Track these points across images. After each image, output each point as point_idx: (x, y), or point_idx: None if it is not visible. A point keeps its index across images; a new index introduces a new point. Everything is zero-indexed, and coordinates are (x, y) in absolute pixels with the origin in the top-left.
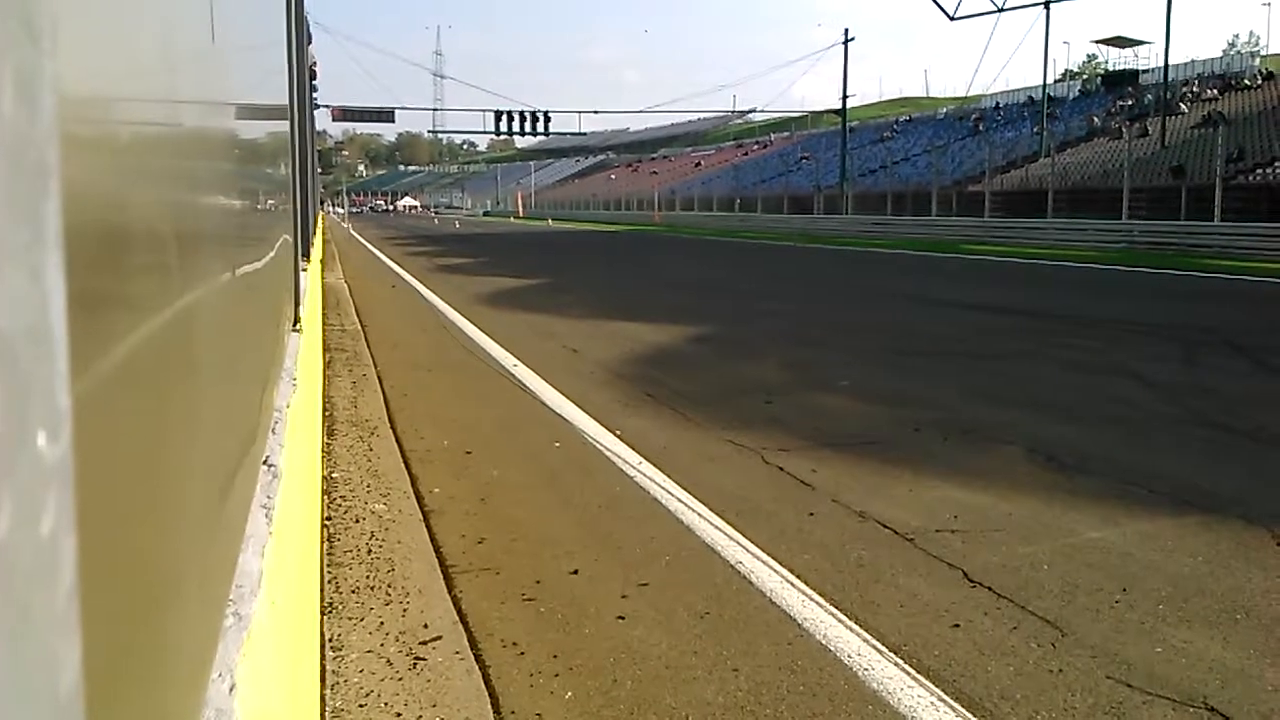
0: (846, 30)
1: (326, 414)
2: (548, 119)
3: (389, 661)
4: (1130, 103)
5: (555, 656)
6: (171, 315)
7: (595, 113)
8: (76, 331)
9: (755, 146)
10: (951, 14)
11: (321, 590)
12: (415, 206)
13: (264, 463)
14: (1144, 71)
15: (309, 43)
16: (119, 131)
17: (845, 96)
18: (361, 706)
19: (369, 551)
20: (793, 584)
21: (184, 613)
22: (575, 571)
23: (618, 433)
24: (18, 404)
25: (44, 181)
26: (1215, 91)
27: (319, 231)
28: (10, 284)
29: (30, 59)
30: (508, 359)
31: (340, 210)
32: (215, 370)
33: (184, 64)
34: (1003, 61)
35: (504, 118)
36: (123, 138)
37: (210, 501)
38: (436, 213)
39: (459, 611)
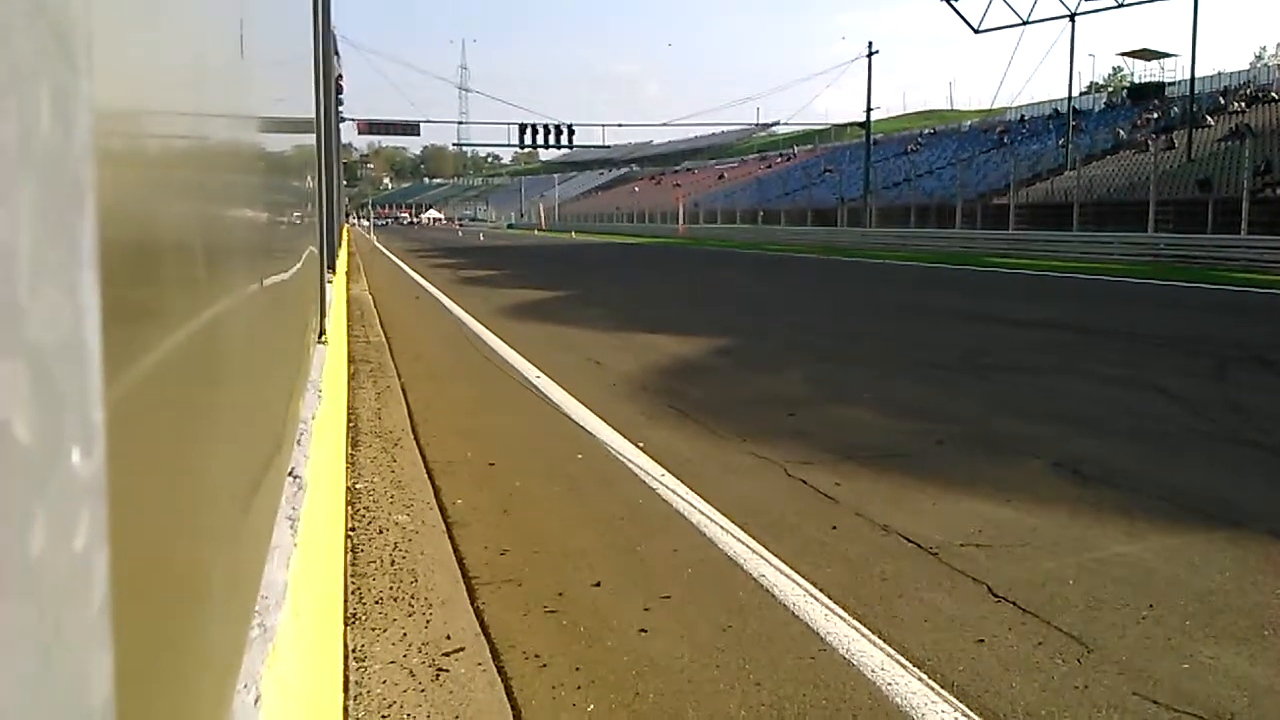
0: (870, 43)
1: (351, 425)
2: (571, 132)
3: (412, 673)
4: (1156, 115)
5: (577, 669)
6: (201, 328)
7: (619, 126)
8: (108, 346)
9: (779, 159)
10: (976, 27)
11: (345, 601)
12: (439, 219)
13: (290, 474)
14: (1170, 84)
15: (335, 56)
16: (150, 147)
17: (869, 109)
18: (384, 717)
19: (392, 562)
20: (816, 598)
21: (211, 624)
22: (598, 584)
23: (640, 445)
24: (53, 421)
25: (79, 199)
26: (1242, 104)
27: (344, 243)
28: (46, 301)
29: (67, 79)
30: (530, 370)
31: (365, 223)
32: (243, 383)
33: (214, 79)
34: (1028, 74)
35: (528, 131)
36: (153, 153)
37: (237, 513)
38: (460, 225)
39: (481, 623)
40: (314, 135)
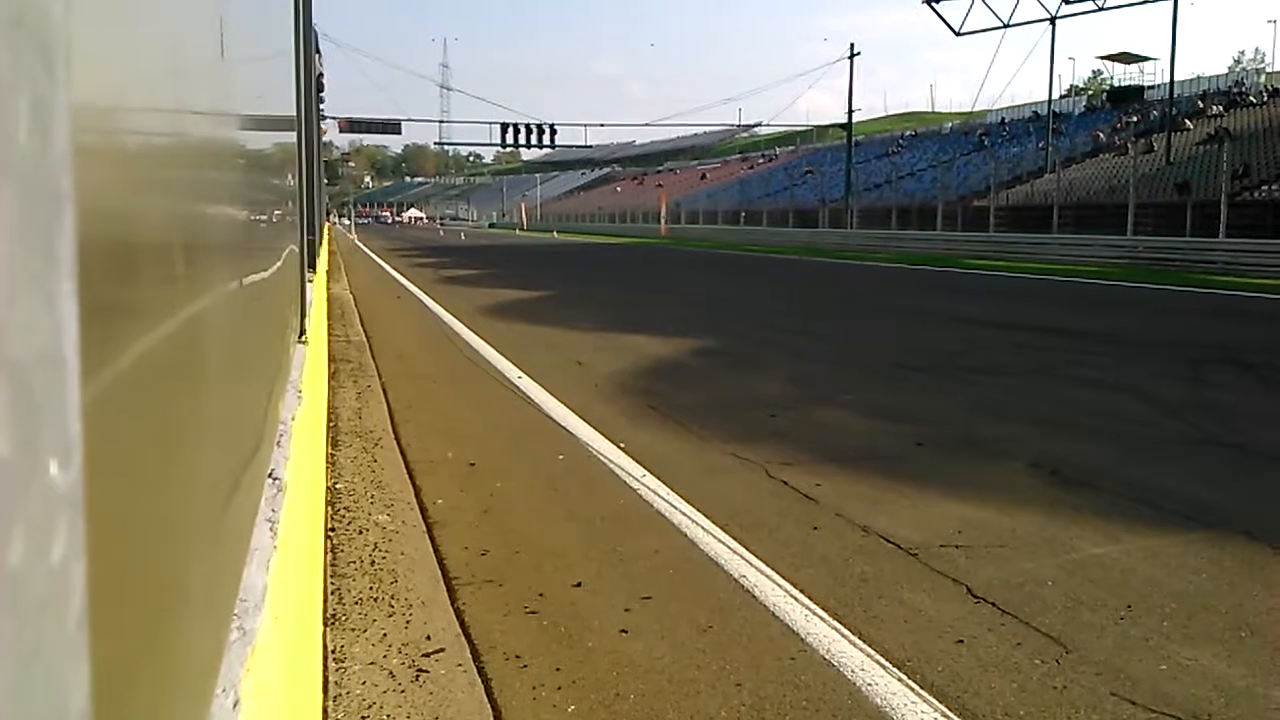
0: (852, 45)
1: (331, 425)
2: (553, 132)
3: (391, 674)
4: (1136, 119)
5: (558, 670)
6: (180, 331)
7: (601, 125)
8: (86, 353)
9: (761, 160)
10: (957, 29)
11: (324, 602)
12: (421, 218)
13: (269, 476)
14: (1149, 87)
15: (317, 54)
16: (129, 149)
17: (851, 111)
18: (364, 718)
19: (372, 563)
20: (796, 598)
21: (190, 630)
22: (578, 584)
23: (622, 445)
24: (30, 434)
25: (58, 210)
26: (1221, 108)
27: (325, 242)
28: (25, 313)
29: (46, 89)
30: (512, 371)
31: (346, 221)
32: (223, 385)
33: (194, 80)
34: (1008, 77)
35: (510, 130)
36: (132, 154)
37: (216, 516)
38: (442, 224)
39: (462, 624)
40: (295, 133)
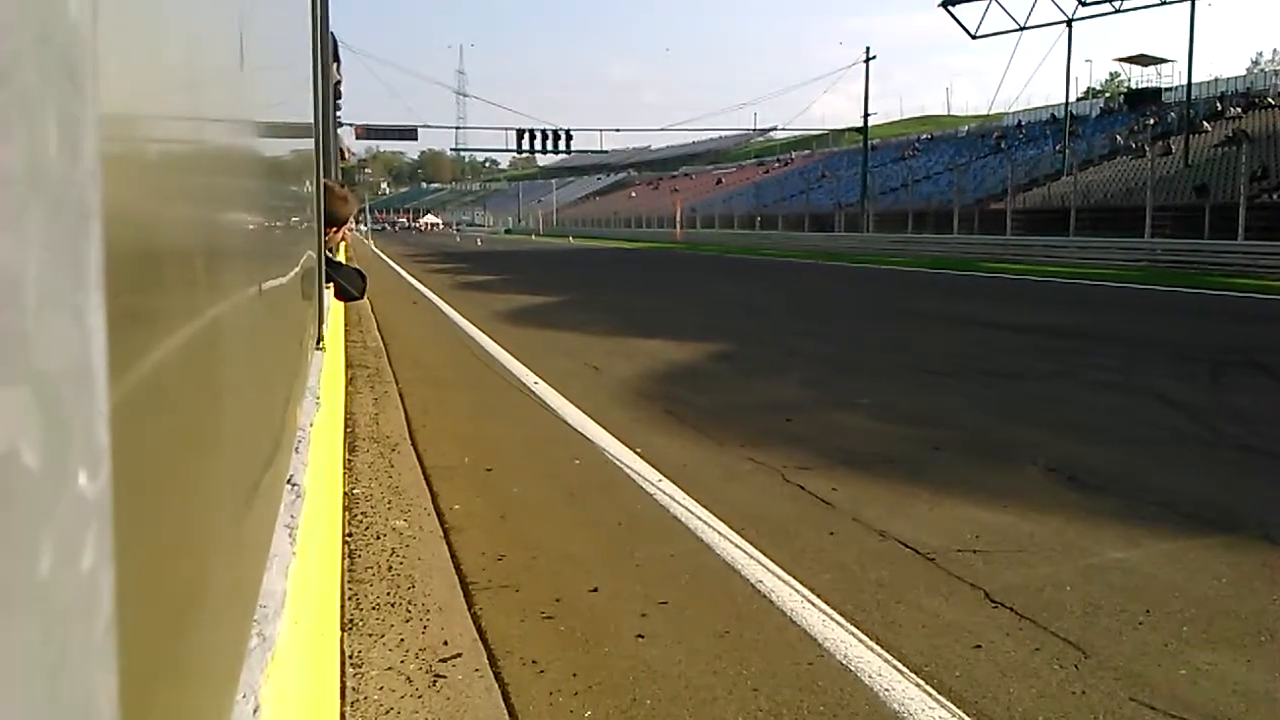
0: (868, 49)
1: (348, 430)
2: (569, 137)
3: (409, 679)
4: (1153, 121)
5: (575, 675)
6: (202, 340)
7: (617, 131)
8: (111, 364)
9: (776, 164)
10: (973, 32)
11: (342, 607)
12: (437, 224)
13: (288, 482)
14: (1167, 89)
15: (336, 62)
16: (152, 161)
17: (866, 114)
18: None
19: (389, 568)
20: (813, 603)
21: (212, 636)
22: (595, 589)
23: (638, 450)
24: (60, 445)
25: (85, 224)
26: (1239, 109)
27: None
28: (54, 327)
29: (74, 104)
30: (528, 376)
31: (363, 228)
32: (244, 393)
33: (214, 89)
34: (1025, 79)
35: (526, 136)
36: (155, 165)
37: (237, 523)
38: (458, 230)
39: (479, 629)
40: (312, 140)
